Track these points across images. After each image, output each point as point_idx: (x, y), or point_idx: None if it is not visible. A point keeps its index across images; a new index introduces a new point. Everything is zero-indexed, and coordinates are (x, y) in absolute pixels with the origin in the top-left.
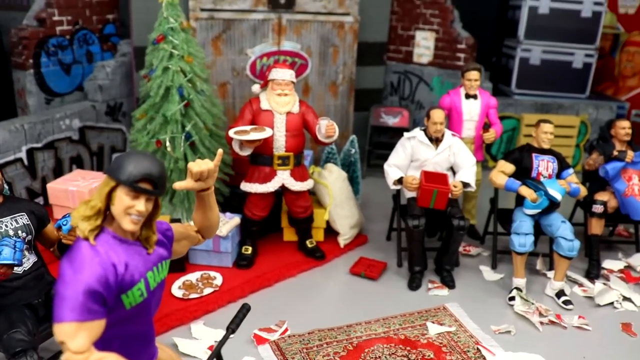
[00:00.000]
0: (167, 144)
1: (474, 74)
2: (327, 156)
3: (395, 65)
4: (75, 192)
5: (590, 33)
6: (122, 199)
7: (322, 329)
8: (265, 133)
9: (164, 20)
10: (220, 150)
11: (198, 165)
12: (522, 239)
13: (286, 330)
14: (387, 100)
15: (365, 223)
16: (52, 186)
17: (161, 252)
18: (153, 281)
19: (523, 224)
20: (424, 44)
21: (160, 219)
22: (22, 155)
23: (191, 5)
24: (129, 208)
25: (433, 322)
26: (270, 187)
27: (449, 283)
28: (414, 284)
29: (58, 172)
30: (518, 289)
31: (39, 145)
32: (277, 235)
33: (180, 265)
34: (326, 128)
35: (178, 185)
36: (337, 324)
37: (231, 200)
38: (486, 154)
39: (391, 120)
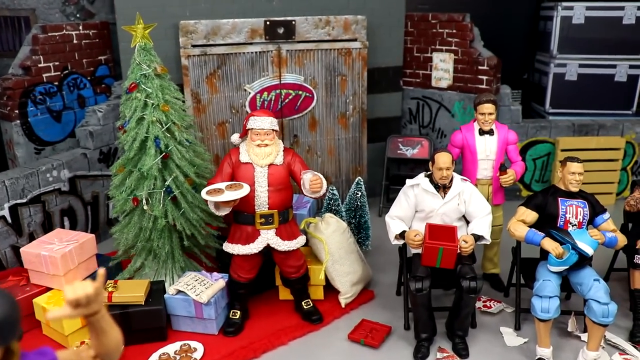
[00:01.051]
0: (144, 201)
1: (487, 107)
2: (328, 203)
3: (412, 90)
4: (47, 257)
5: (635, 41)
6: None
7: None
8: (242, 191)
9: (137, 67)
10: (101, 271)
11: (73, 292)
12: (545, 303)
13: None
14: (406, 129)
15: (374, 273)
16: (26, 250)
17: None
18: None
19: (547, 284)
20: (443, 67)
21: (141, 282)
22: (5, 212)
23: (182, 42)
24: None
25: None
26: (254, 248)
27: (461, 352)
28: (419, 354)
29: (48, 226)
30: None
31: (24, 200)
32: (273, 292)
33: (160, 334)
34: (310, 183)
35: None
36: None
37: (223, 257)
38: (518, 183)
39: (410, 152)
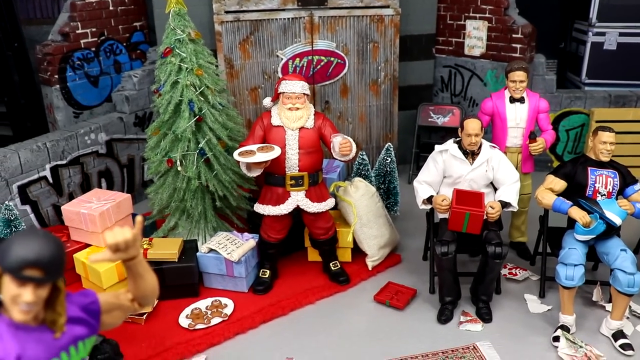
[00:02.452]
0: (178, 162)
1: (519, 75)
2: (358, 167)
3: (445, 58)
4: (87, 214)
5: None
6: (8, 287)
7: None
8: (273, 153)
9: (171, 32)
10: (139, 218)
11: (113, 236)
12: (569, 271)
13: None
14: (437, 97)
15: (402, 238)
16: (66, 208)
17: (77, 331)
18: None
19: (572, 252)
20: (476, 35)
21: (174, 241)
22: (47, 173)
23: (215, 8)
24: (16, 297)
25: None
26: (284, 209)
27: (484, 316)
28: (443, 316)
29: (86, 187)
30: (564, 327)
31: (64, 162)
32: (302, 254)
33: (193, 290)
34: (340, 146)
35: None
36: None
37: (254, 218)
38: (550, 154)
39: (441, 120)
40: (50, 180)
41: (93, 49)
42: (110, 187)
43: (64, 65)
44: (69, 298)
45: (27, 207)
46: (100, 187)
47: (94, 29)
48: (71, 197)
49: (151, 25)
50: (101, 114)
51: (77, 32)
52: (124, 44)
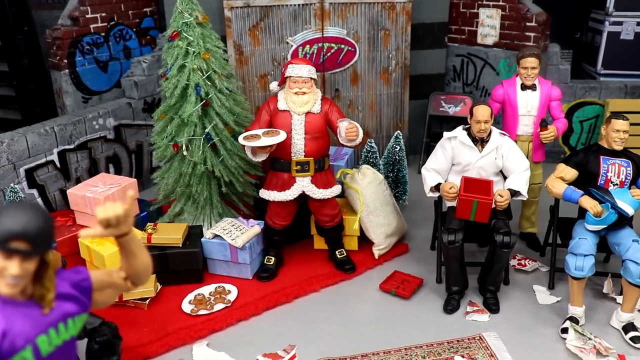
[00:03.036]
0: (184, 147)
1: (530, 61)
2: (366, 155)
3: (457, 47)
4: (92, 198)
5: None
6: None
7: (332, 358)
8: (278, 137)
9: (178, 15)
10: (130, 193)
11: (104, 211)
12: (579, 261)
13: (294, 357)
14: (449, 87)
15: (410, 227)
16: (72, 192)
17: (67, 308)
18: (47, 345)
19: (582, 242)
20: (489, 23)
21: (179, 226)
22: (54, 157)
23: None
24: (2, 270)
25: (463, 357)
26: (289, 195)
27: (491, 307)
28: (449, 306)
29: (94, 172)
30: (573, 319)
31: (71, 146)
32: (308, 242)
33: (197, 276)
34: (346, 131)
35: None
36: (351, 352)
37: (260, 205)
38: (563, 145)
39: (452, 109)
40: (58, 164)
41: (103, 34)
42: (118, 172)
43: (74, 50)
44: (59, 274)
45: (34, 191)
46: (108, 172)
47: (103, 14)
48: (79, 182)
49: (161, 11)
50: (110, 100)
51: (87, 16)
52: (134, 30)
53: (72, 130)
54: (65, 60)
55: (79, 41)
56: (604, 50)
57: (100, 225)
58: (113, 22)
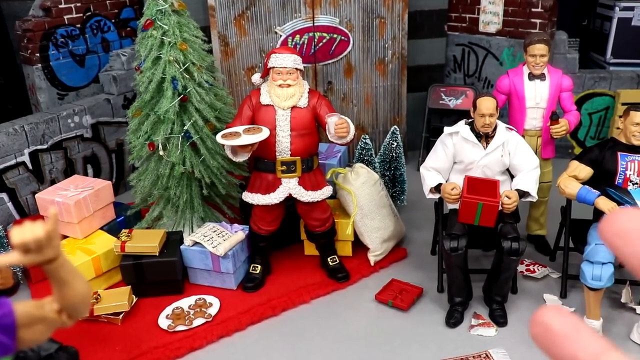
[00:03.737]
0: (160, 146)
1: (539, 48)
2: (360, 152)
3: (458, 36)
4: (61, 203)
5: None
6: None
7: None
8: (260, 135)
9: (152, 3)
10: (52, 211)
11: (21, 234)
12: (597, 270)
13: None
14: (449, 78)
15: (408, 230)
16: (40, 196)
17: None
18: None
19: (600, 249)
20: (491, 10)
21: (156, 233)
22: (25, 158)
23: None
24: None
25: None
26: (275, 198)
27: (498, 319)
28: (452, 319)
29: (70, 173)
30: None
31: (44, 146)
32: (298, 247)
33: (176, 287)
34: (335, 127)
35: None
36: None
37: (246, 208)
38: (571, 139)
39: (453, 102)
40: (30, 166)
41: (78, 25)
42: (97, 173)
43: (46, 43)
44: None
45: (4, 195)
46: (86, 173)
47: (78, 4)
48: (54, 184)
49: (142, 1)
50: (88, 96)
51: (60, 6)
52: (112, 21)
53: (44, 129)
54: (38, 54)
55: (52, 33)
56: (613, 38)
57: (18, 251)
58: (89, 13)
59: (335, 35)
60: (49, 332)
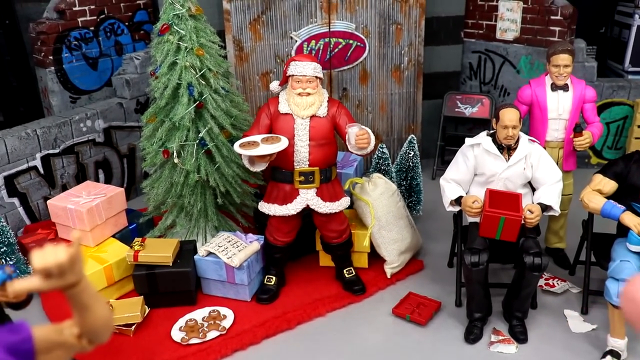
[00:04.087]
0: (175, 153)
1: (563, 58)
2: (377, 162)
3: (474, 43)
4: (74, 210)
5: None
6: None
7: None
8: (279, 145)
9: (169, 7)
10: (76, 234)
11: (42, 258)
12: (622, 287)
13: None
14: (465, 85)
15: (425, 241)
16: (52, 203)
17: None
18: None
19: (625, 266)
20: (509, 17)
21: (169, 242)
22: (37, 163)
23: None
24: None
25: None
26: (292, 209)
27: (518, 336)
28: (471, 335)
29: (82, 178)
30: (614, 353)
31: (56, 151)
32: (313, 257)
33: (189, 298)
34: (356, 138)
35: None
36: None
37: (261, 217)
38: (588, 149)
39: (469, 110)
40: (41, 170)
41: (92, 28)
42: (108, 178)
43: (60, 46)
44: None
45: (15, 200)
46: (97, 179)
47: (92, 7)
48: (65, 190)
49: (155, 4)
50: (101, 99)
51: (74, 9)
52: (126, 24)
53: (56, 133)
54: (51, 57)
55: (65, 36)
56: (632, 46)
57: (39, 276)
58: (103, 16)
59: (351, 41)
60: (68, 357)
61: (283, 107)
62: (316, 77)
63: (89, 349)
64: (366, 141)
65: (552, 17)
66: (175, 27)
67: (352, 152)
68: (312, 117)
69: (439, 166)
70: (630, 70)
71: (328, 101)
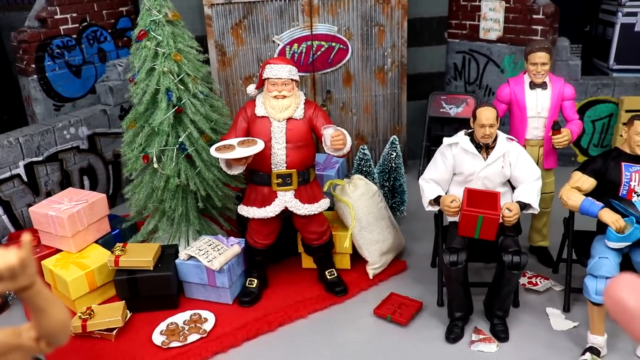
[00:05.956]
0: (155, 159)
1: (540, 56)
2: (359, 163)
3: (458, 43)
4: (55, 217)
5: None
6: None
7: None
8: (255, 148)
9: (146, 13)
10: (26, 238)
11: None
12: (600, 284)
13: None
14: (450, 86)
15: (408, 241)
16: (34, 210)
17: None
18: None
19: (604, 262)
20: (492, 16)
21: (150, 246)
22: (20, 170)
23: None
24: None
25: None
26: (270, 211)
27: (499, 335)
28: (452, 334)
29: (66, 185)
30: (594, 349)
31: (40, 158)
32: (295, 260)
33: (171, 302)
34: (331, 139)
35: None
36: None
37: (243, 220)
38: (574, 147)
39: (454, 110)
40: (25, 178)
41: (74, 36)
42: (93, 185)
43: (42, 54)
44: None
45: None
46: (82, 185)
47: (74, 15)
48: (50, 197)
49: (138, 10)
50: (85, 107)
51: (56, 17)
52: (109, 31)
53: (39, 141)
54: (33, 65)
55: (48, 44)
56: (616, 44)
57: None
58: (85, 23)
59: (333, 44)
60: (27, 359)
61: (259, 110)
62: (292, 79)
63: (48, 351)
64: (341, 142)
65: (534, 16)
66: (152, 33)
67: (329, 153)
68: (289, 119)
69: (424, 167)
70: (614, 68)
71: (305, 103)
